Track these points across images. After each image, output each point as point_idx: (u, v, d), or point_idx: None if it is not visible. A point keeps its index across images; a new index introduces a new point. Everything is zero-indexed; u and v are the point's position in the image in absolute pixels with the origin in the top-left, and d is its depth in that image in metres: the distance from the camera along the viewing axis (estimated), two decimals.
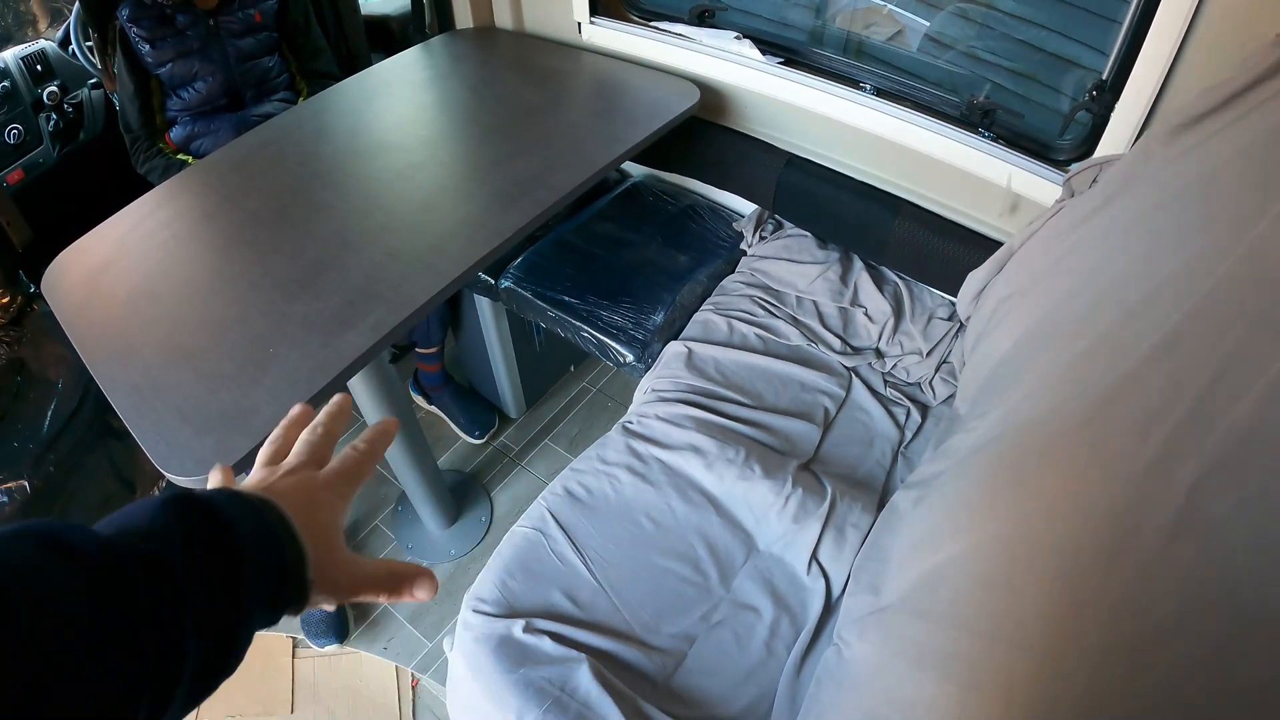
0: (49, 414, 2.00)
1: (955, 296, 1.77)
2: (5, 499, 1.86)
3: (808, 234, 2.08)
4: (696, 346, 1.84)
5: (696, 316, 1.94)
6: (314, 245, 1.56)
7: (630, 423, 1.71)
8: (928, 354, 1.84)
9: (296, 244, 1.57)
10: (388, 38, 2.63)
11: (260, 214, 1.67)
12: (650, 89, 1.99)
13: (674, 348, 1.85)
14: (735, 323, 1.89)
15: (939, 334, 1.86)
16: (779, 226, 2.14)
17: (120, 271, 1.60)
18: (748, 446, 1.63)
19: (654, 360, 1.88)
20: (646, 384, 1.83)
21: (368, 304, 1.40)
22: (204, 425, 1.25)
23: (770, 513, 1.55)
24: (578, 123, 1.91)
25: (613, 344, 1.91)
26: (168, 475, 1.23)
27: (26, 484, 1.88)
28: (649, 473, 1.61)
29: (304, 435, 0.64)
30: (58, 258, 1.68)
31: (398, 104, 2.03)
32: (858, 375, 1.84)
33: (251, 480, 0.60)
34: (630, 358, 1.89)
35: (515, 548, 1.49)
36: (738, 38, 1.94)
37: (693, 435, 1.63)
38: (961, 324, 1.80)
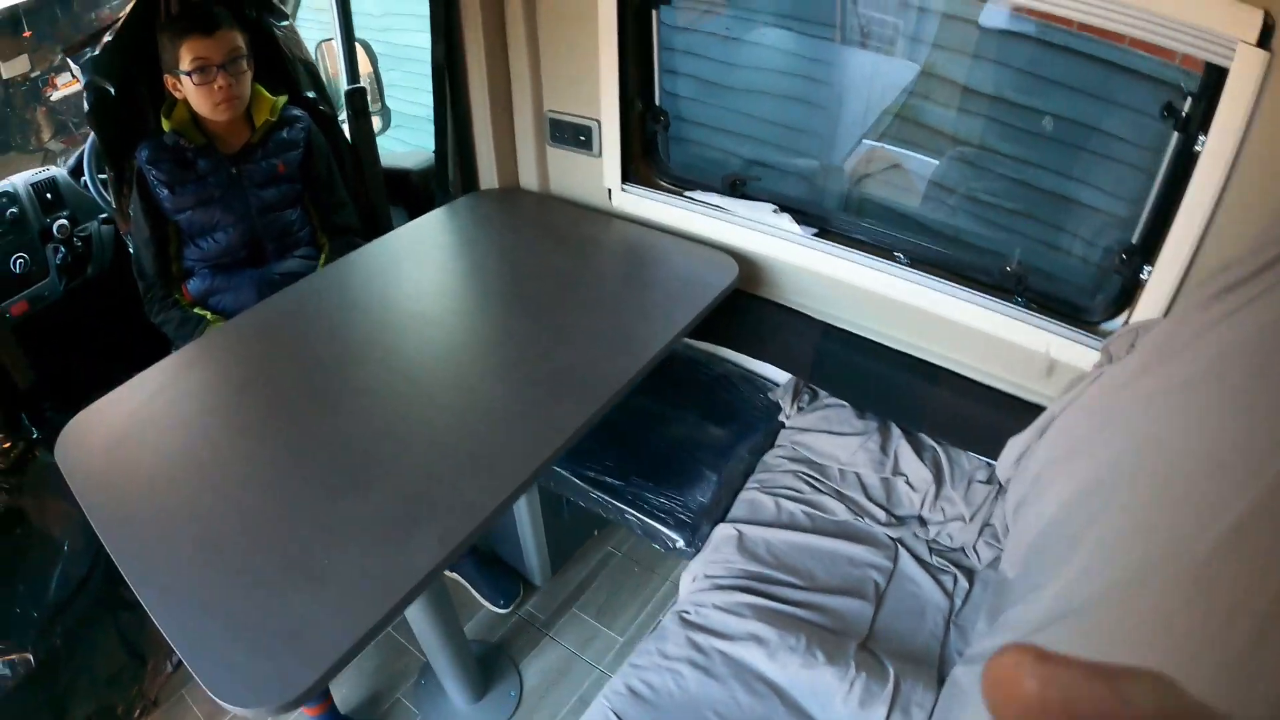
0: (54, 578, 1.90)
1: (993, 459, 1.76)
2: (7, 671, 1.76)
3: (845, 404, 2.07)
4: (746, 529, 1.80)
5: (742, 496, 1.91)
6: (356, 434, 1.50)
7: (687, 613, 1.66)
8: (970, 518, 1.82)
9: (336, 432, 1.51)
10: (408, 192, 2.60)
11: (293, 393, 1.61)
12: (686, 260, 1.98)
13: (724, 530, 1.81)
14: (782, 501, 1.86)
15: (980, 498, 1.84)
16: (815, 396, 2.13)
17: (142, 445, 1.53)
18: (807, 631, 1.58)
19: (703, 543, 1.84)
20: (697, 569, 1.78)
21: (428, 510, 1.33)
22: (257, 645, 1.16)
23: (835, 699, 1.50)
24: (619, 298, 1.90)
25: (661, 528, 1.87)
26: (225, 705, 1.14)
27: (30, 657, 1.78)
28: (712, 666, 1.56)
29: None
30: (71, 422, 1.59)
31: (428, 270, 1.99)
32: (903, 545, 1.81)
33: None
34: (680, 542, 1.85)
35: None
36: (776, 210, 1.94)
37: (752, 624, 1.59)
38: (1001, 486, 1.78)
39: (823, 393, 2.12)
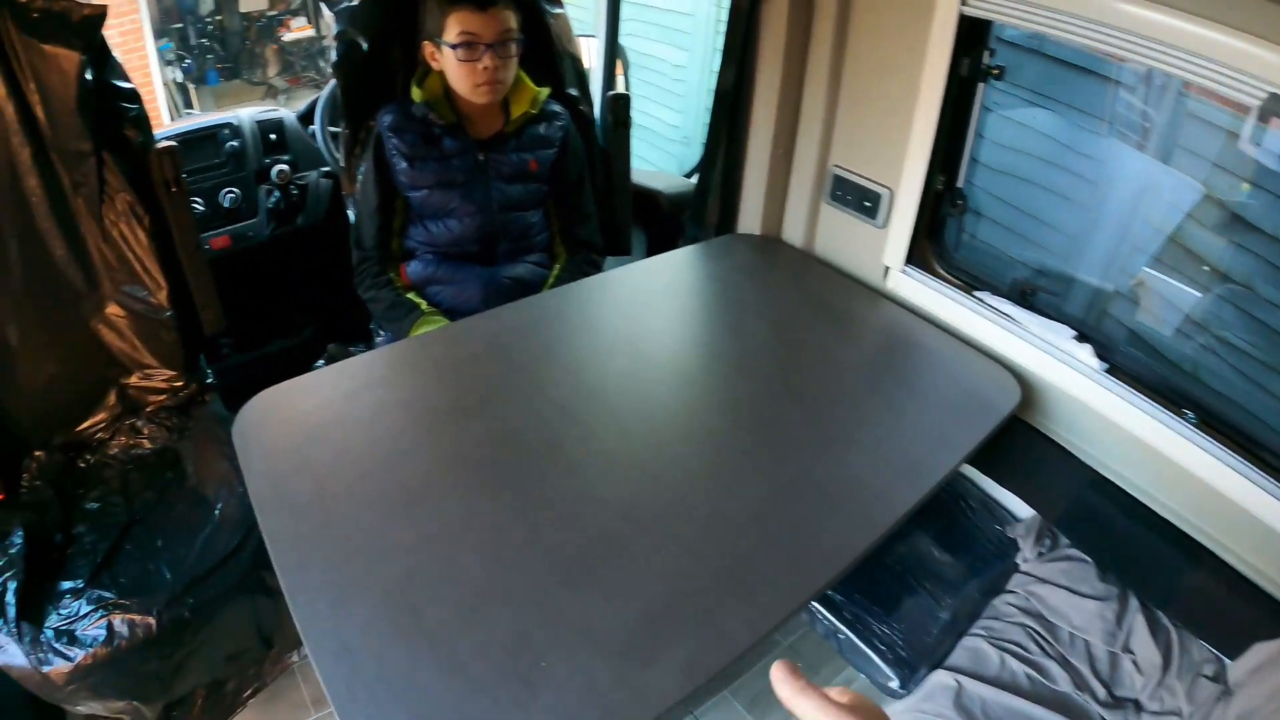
0: (199, 544, 1.77)
1: (1228, 655, 1.59)
2: (125, 631, 1.62)
3: (1089, 560, 1.85)
4: (966, 682, 1.60)
5: (966, 641, 1.70)
6: (594, 511, 1.30)
7: None
8: (1188, 716, 1.60)
9: (572, 501, 1.31)
10: (653, 215, 2.42)
11: (523, 437, 1.43)
12: (962, 367, 1.76)
13: (941, 678, 1.62)
14: (1007, 657, 1.66)
15: (1203, 695, 1.61)
16: (1055, 542, 1.90)
17: (337, 451, 1.37)
18: None
19: (915, 686, 1.64)
20: (906, 716, 1.59)
21: (673, 628, 1.12)
22: None
23: None
24: (892, 400, 1.67)
25: (878, 661, 1.67)
26: None
27: (153, 622, 1.63)
28: None
29: None
30: (257, 398, 1.44)
31: (681, 316, 1.82)
32: None
33: None
34: (895, 683, 1.65)
35: None
36: (1076, 338, 1.71)
37: None
38: (1228, 688, 1.57)
39: (1064, 540, 1.90)
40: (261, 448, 1.36)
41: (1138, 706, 1.64)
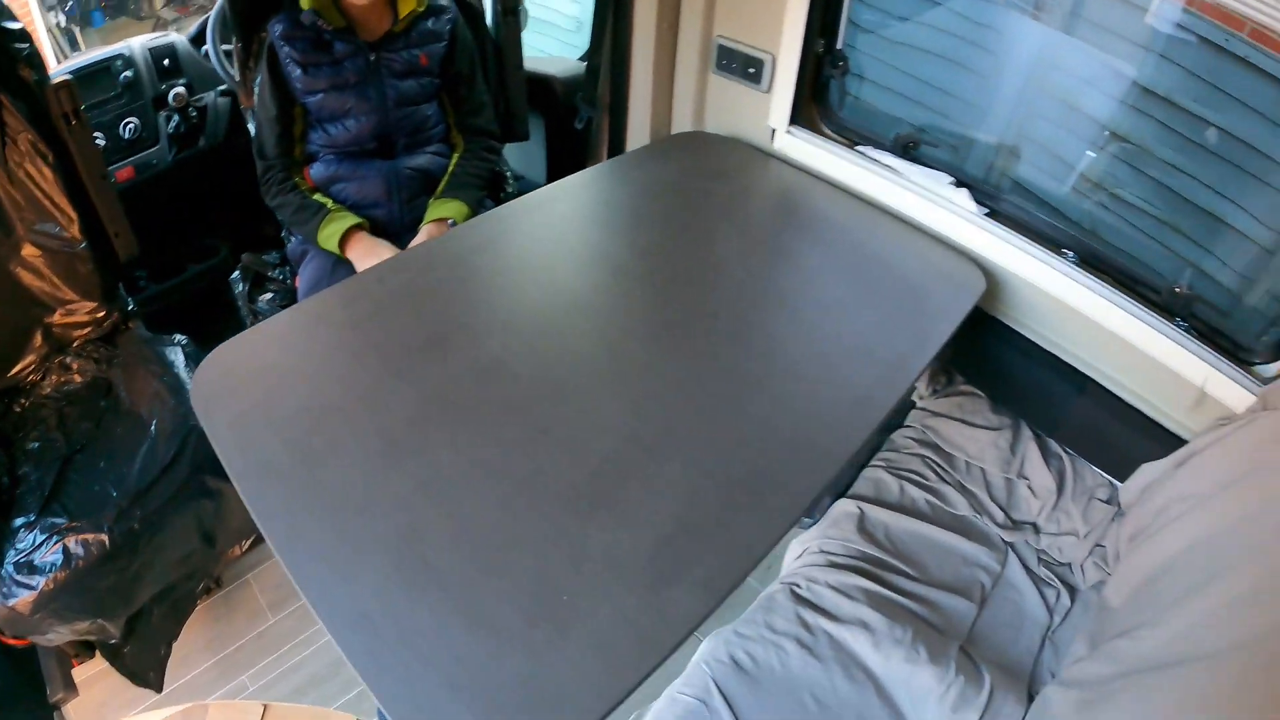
0: (139, 459, 1.82)
1: (1119, 479, 1.69)
2: (80, 551, 1.67)
3: (982, 394, 1.96)
4: (868, 508, 1.72)
5: (867, 472, 1.82)
6: (598, 439, 1.28)
7: (799, 587, 1.58)
8: (1084, 536, 1.73)
9: (572, 428, 1.30)
10: (548, 99, 2.46)
11: (507, 365, 1.40)
12: (917, 258, 1.80)
13: (844, 506, 1.73)
14: (906, 485, 1.78)
15: (1097, 517, 1.75)
16: (951, 380, 2.02)
17: (308, 403, 1.32)
18: (914, 626, 1.51)
19: (820, 515, 1.75)
20: (810, 542, 1.69)
21: (688, 544, 1.15)
22: (493, 711, 0.96)
23: (929, 698, 1.44)
24: (857, 293, 1.71)
25: None
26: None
27: (106, 539, 1.69)
28: (816, 646, 1.49)
29: None
30: (211, 356, 1.41)
31: (637, 222, 1.86)
32: (1014, 550, 1.73)
33: None
34: None
35: (677, 717, 1.37)
36: (954, 183, 1.81)
37: (862, 609, 1.51)
38: (1120, 509, 1.71)
39: (959, 377, 2.02)
40: (226, 412, 1.31)
41: (1036, 529, 1.77)
